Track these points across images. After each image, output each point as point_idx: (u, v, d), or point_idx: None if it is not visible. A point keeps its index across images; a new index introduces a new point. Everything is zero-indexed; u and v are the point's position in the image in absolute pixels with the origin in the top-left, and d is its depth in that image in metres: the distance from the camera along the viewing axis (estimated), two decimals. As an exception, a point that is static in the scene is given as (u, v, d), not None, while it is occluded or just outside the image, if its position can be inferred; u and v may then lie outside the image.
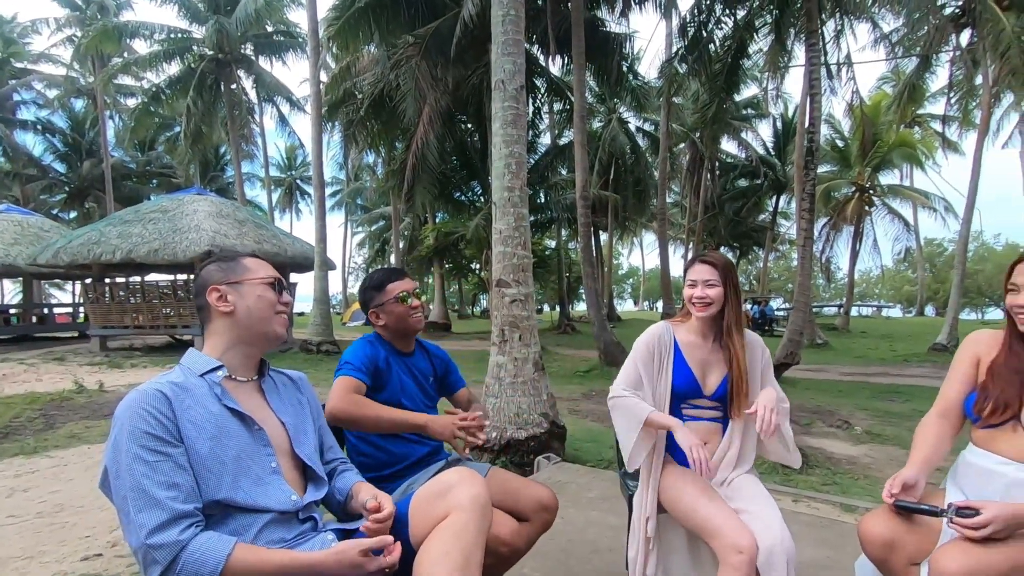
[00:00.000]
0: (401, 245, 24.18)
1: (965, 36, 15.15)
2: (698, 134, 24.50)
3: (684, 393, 1.81)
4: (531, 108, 14.33)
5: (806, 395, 8.91)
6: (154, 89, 19.24)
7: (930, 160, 23.43)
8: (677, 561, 1.84)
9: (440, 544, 1.03)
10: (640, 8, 11.99)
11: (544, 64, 13.85)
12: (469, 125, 15.28)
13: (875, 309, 41.61)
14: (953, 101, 18.68)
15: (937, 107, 22.21)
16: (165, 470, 1.03)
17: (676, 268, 26.21)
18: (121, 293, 12.35)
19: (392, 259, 33.51)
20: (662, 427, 1.72)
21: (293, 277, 14.90)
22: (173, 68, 19.08)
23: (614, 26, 12.36)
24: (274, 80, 20.73)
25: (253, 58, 20.49)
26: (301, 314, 27.73)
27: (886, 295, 48.78)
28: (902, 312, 43.27)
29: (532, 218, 19.33)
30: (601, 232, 26.35)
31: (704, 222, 28.31)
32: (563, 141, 20.45)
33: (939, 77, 18.39)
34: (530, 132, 14.93)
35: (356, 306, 26.75)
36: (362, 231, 40.48)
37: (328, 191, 44.24)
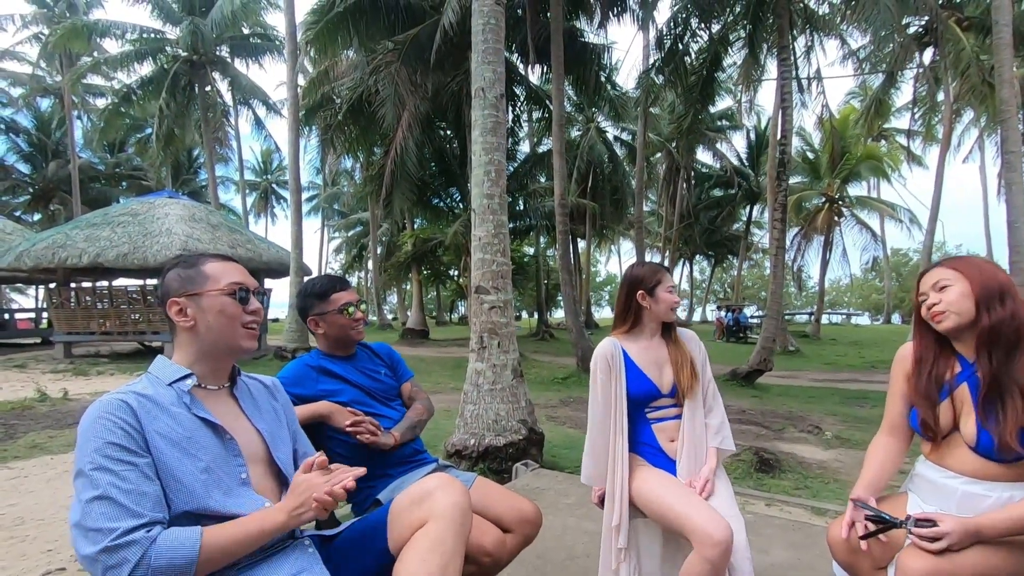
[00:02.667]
0: (379, 251, 23.97)
1: (928, 54, 15.75)
2: (674, 144, 24.94)
3: (643, 398, 1.85)
4: (510, 116, 14.40)
5: (778, 401, 9.08)
6: (125, 90, 18.81)
7: (896, 172, 24.22)
8: (650, 564, 1.86)
9: (417, 553, 1.03)
10: (618, 20, 12.18)
11: (523, 73, 13.95)
12: (448, 131, 15.28)
13: (844, 317, 42.70)
14: (917, 116, 19.38)
15: (902, 122, 22.98)
16: (132, 479, 1.00)
17: (653, 276, 26.42)
18: (88, 298, 11.98)
19: (370, 265, 33.22)
20: None
21: (268, 283, 14.67)
22: (145, 69, 18.70)
23: (592, 37, 12.53)
24: (250, 83, 20.45)
25: (229, 60, 20.19)
26: (276, 320, 27.26)
27: (855, 303, 50.10)
28: (870, 320, 44.47)
29: (511, 225, 19.38)
30: (579, 239, 26.55)
31: (680, 231, 28.77)
32: (542, 149, 20.58)
33: (904, 93, 19.10)
34: (509, 140, 15.00)
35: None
36: (339, 236, 40.05)
37: (305, 196, 43.67)
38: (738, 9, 12.74)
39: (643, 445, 1.85)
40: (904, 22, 14.23)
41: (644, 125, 15.56)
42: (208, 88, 19.63)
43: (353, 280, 48.96)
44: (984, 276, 1.43)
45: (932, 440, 1.50)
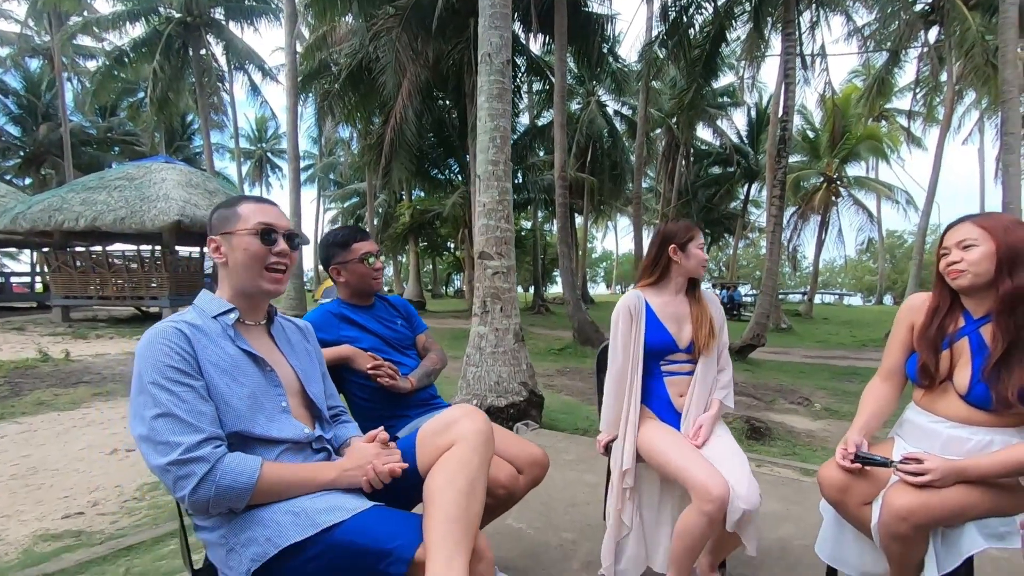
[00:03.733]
0: (375, 222, 23.88)
1: (933, 33, 15.60)
2: (674, 120, 24.72)
3: (660, 350, 1.93)
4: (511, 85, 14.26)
5: (770, 375, 9.27)
6: (117, 52, 18.38)
7: (895, 154, 24.21)
8: (650, 508, 1.98)
9: (446, 471, 1.12)
10: (623, -11, 11.96)
11: (524, 42, 13.75)
12: (447, 101, 15.10)
13: (837, 297, 43.08)
14: (919, 97, 19.29)
15: (903, 102, 22.86)
16: (190, 399, 1.08)
17: (649, 252, 26.46)
18: (82, 263, 11.95)
19: (366, 236, 33.14)
20: None
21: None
22: (137, 30, 18.26)
23: (596, 6, 12.34)
24: (246, 47, 20.03)
25: (224, 22, 19.73)
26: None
27: (848, 284, 50.50)
28: (862, 301, 44.90)
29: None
30: (576, 215, 26.50)
31: (678, 208, 28.75)
32: (541, 122, 20.39)
33: (907, 73, 18.91)
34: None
35: (329, 282, 26.42)
36: (334, 207, 39.77)
37: (301, 165, 43.36)
38: (744, -19, 12.55)
39: (654, 397, 1.94)
40: (911, -1, 14.07)
41: (645, 99, 15.43)
42: (203, 51, 19.22)
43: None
44: (1011, 238, 1.46)
45: (927, 387, 1.60)
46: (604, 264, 62.48)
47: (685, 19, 12.16)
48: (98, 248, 12.46)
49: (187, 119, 31.26)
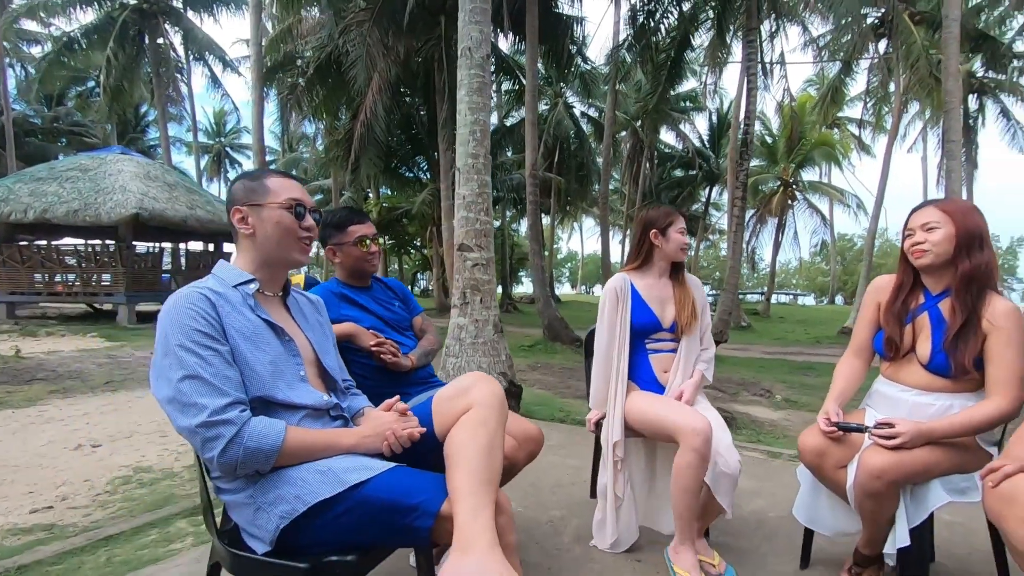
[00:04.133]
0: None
1: (882, 46, 16.42)
2: (639, 123, 25.23)
3: (645, 329, 2.03)
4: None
5: (733, 370, 9.60)
6: (65, 38, 17.53)
7: (846, 160, 25.34)
8: (640, 480, 2.07)
9: (467, 430, 1.16)
10: (592, -8, 12.17)
11: (494, 41, 13.81)
12: (416, 98, 15.02)
13: (792, 297, 44.75)
14: (869, 106, 20.28)
15: (855, 111, 23.96)
16: (216, 363, 1.09)
17: (615, 254, 26.97)
18: (30, 257, 11.37)
19: (330, 234, 32.51)
20: None
21: (229, 247, 14.24)
22: (88, 16, 17.47)
23: (567, 8, 12.50)
24: (206, 37, 19.42)
25: (182, 11, 19.08)
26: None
27: (802, 285, 52.50)
28: (815, 301, 46.76)
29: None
30: (543, 215, 26.70)
31: (641, 209, 29.32)
32: (510, 122, 20.49)
33: (858, 83, 19.89)
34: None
35: (293, 280, 25.78)
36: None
37: (254, 160, 42.20)
38: (708, -11, 12.96)
39: (639, 373, 2.03)
40: (862, 12, 14.76)
41: (613, 102, 15.71)
42: (160, 40, 18.53)
43: (312, 251, 47.83)
44: (968, 222, 1.62)
45: (892, 359, 1.74)
46: (569, 264, 63.09)
47: (652, 24, 12.46)
48: (46, 242, 11.87)
49: (140, 110, 30.08)
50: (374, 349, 1.79)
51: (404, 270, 38.02)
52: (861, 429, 1.63)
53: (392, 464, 1.15)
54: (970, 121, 18.96)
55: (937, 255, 1.63)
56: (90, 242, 11.85)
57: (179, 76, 21.21)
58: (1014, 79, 18.33)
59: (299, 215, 1.28)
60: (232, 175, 43.53)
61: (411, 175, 17.71)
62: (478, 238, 4.21)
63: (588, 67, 15.22)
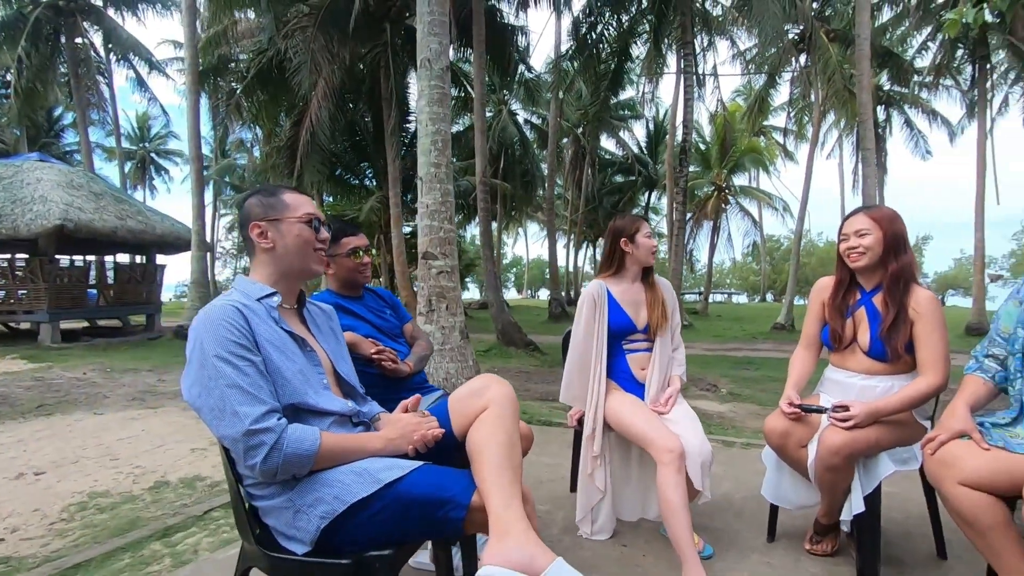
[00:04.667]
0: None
1: (803, 59, 17.64)
2: (581, 129, 25.91)
3: (622, 331, 2.18)
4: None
5: (679, 366, 10.04)
6: (-32, 35, 16.12)
7: (773, 165, 27.00)
8: (617, 471, 2.21)
9: (487, 427, 1.25)
10: (535, 3, 12.47)
11: (440, 49, 13.82)
12: (362, 104, 14.82)
13: (726, 296, 46.99)
14: (792, 115, 21.71)
15: (779, 120, 25.57)
16: (252, 374, 1.14)
17: (560, 258, 27.46)
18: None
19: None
20: None
21: (161, 259, 13.52)
22: (-5, 12, 16.13)
23: (511, 19, 12.73)
24: (131, 37, 18.34)
25: (103, 8, 17.95)
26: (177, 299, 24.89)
27: (735, 284, 55.22)
28: (748, 299, 49.31)
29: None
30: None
31: (585, 214, 30.04)
32: (455, 129, 20.53)
33: (782, 93, 21.22)
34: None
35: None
36: (231, 213, 37.18)
37: (191, 167, 40.10)
38: (644, 3, 13.55)
39: (618, 372, 2.18)
40: (784, 28, 15.85)
41: (556, 109, 16.09)
42: (79, 40, 17.36)
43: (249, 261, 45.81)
44: (894, 228, 1.88)
45: (837, 349, 1.97)
46: (515, 269, 63.58)
47: (594, 35, 12.89)
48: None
49: (54, 113, 28.01)
50: (374, 357, 1.84)
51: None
52: (820, 410, 1.84)
53: (420, 462, 1.22)
54: (880, 130, 20.63)
55: (871, 258, 1.87)
56: (3, 256, 10.95)
57: (101, 78, 19.94)
58: (916, 92, 20.14)
59: (316, 228, 1.35)
60: (158, 182, 41.13)
61: (356, 182, 17.40)
62: (442, 246, 4.28)
63: (532, 76, 15.52)
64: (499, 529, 1.06)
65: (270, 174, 19.96)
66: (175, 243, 12.65)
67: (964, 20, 2.64)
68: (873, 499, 1.75)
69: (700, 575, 1.73)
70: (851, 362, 1.95)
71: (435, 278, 4.25)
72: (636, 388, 2.17)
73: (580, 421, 2.23)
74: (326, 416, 1.26)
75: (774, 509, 2.12)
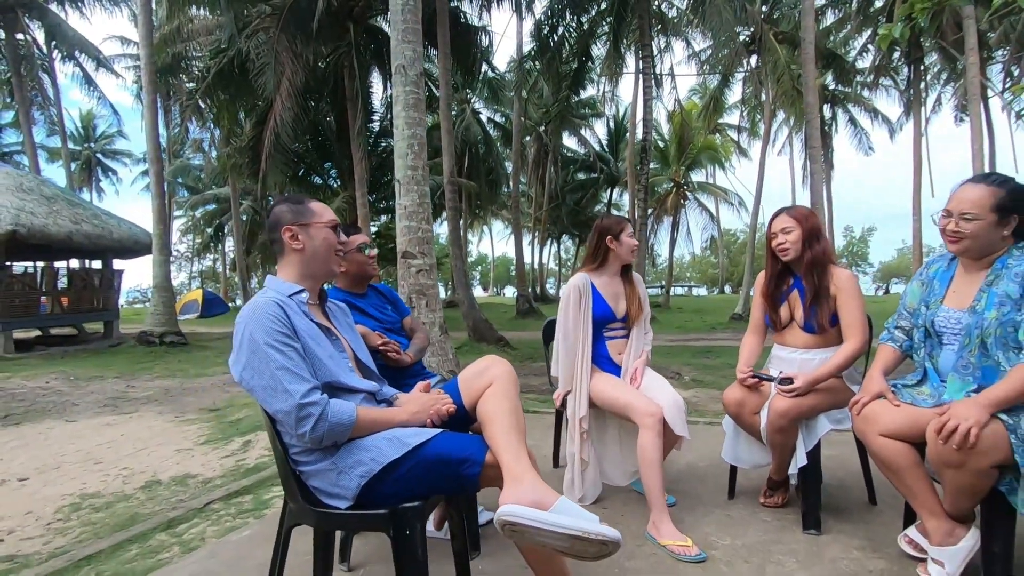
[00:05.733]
0: (242, 230, 22.34)
1: (754, 60, 18.42)
2: (543, 128, 26.29)
3: (603, 320, 2.44)
4: (389, 91, 14.28)
5: (644, 357, 10.45)
6: None
7: (728, 162, 28.00)
8: (598, 443, 2.48)
9: (495, 398, 1.47)
10: (498, 5, 12.68)
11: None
12: (325, 104, 14.73)
13: (686, 289, 48.35)
14: (745, 114, 22.61)
15: (733, 118, 26.55)
16: (295, 358, 1.35)
17: (526, 255, 27.78)
18: None
19: (230, 244, 30.56)
20: None
21: (118, 264, 13.13)
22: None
23: (475, 19, 12.90)
24: (77, 34, 17.64)
25: (44, 3, 17.19)
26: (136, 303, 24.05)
27: (695, 277, 56.85)
28: (707, 291, 50.86)
29: (388, 202, 19.21)
30: (455, 219, 26.91)
31: (548, 211, 30.47)
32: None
33: (735, 93, 22.09)
34: (389, 114, 14.89)
35: (190, 296, 24.05)
36: (183, 215, 36.00)
37: (140, 169, 38.59)
38: (603, 5, 13.94)
39: (599, 355, 2.44)
40: (736, 30, 16.53)
41: (520, 108, 16.36)
42: (20, 36, 16.60)
43: (207, 262, 44.54)
44: (809, 224, 2.22)
45: (777, 329, 2.28)
46: (480, 267, 63.69)
47: (555, 37, 13.19)
48: None
49: (-9, 113, 26.62)
50: (381, 348, 2.04)
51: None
52: (771, 378, 2.14)
53: (439, 430, 1.44)
54: (826, 128, 21.71)
55: (795, 250, 2.20)
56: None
57: (44, 76, 19.09)
58: (858, 92, 21.28)
59: (338, 233, 1.58)
60: (106, 184, 39.48)
61: (320, 182, 17.26)
62: (421, 245, 4.46)
63: (495, 75, 15.73)
64: (513, 477, 1.29)
65: (230, 175, 19.59)
66: (134, 247, 12.32)
67: (894, 35, 2.97)
68: (814, 454, 2.07)
69: (667, 519, 2.03)
70: (791, 339, 2.27)
71: (415, 276, 4.43)
72: (614, 369, 2.44)
73: (564, 403, 2.48)
74: (357, 393, 1.47)
75: (733, 470, 2.43)
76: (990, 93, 17.93)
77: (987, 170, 15.50)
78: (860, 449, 2.33)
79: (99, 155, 39.18)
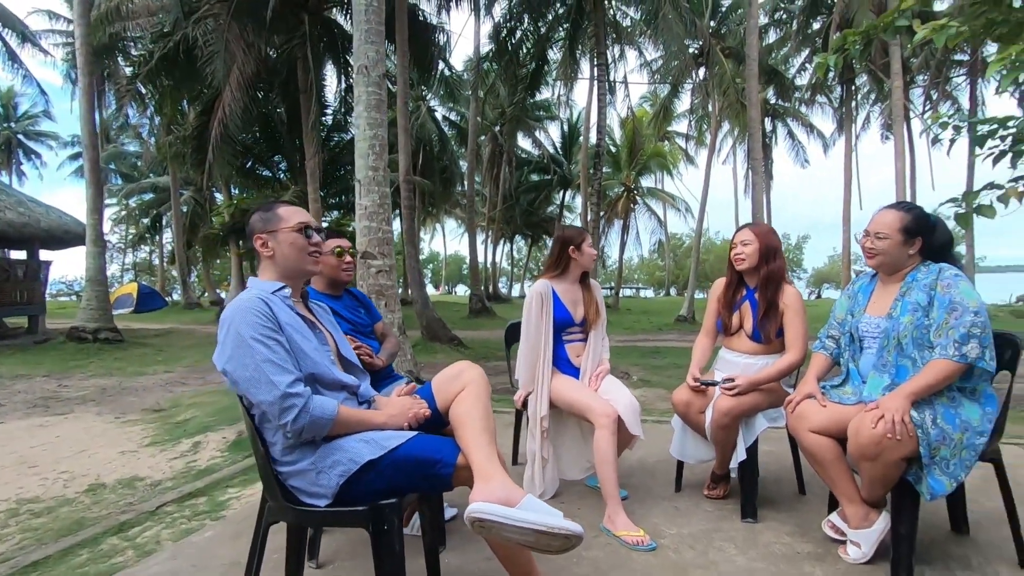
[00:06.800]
0: (183, 222, 21.34)
1: (702, 72, 19.17)
2: (498, 128, 26.41)
3: (563, 324, 2.58)
4: (343, 85, 14.01)
5: (595, 357, 10.75)
6: None
7: (676, 169, 28.99)
8: (558, 443, 2.61)
9: (467, 401, 1.56)
10: (456, 4, 12.69)
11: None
12: (276, 95, 14.29)
13: (635, 291, 49.68)
14: (692, 123, 23.49)
15: (682, 127, 27.54)
16: (279, 350, 1.41)
17: (479, 254, 27.81)
18: None
19: (169, 236, 29.01)
20: None
21: (46, 254, 12.33)
22: None
23: (433, 17, 12.86)
24: (1, 7, 16.38)
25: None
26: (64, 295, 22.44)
27: (643, 279, 58.43)
28: (654, 293, 52.43)
29: (340, 198, 18.84)
30: (408, 216, 26.62)
31: (502, 211, 30.64)
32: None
33: (683, 102, 22.97)
34: (343, 108, 14.61)
35: (123, 290, 22.75)
36: (116, 203, 33.90)
37: (68, 153, 36.14)
38: (560, 11, 14.20)
39: (558, 358, 2.57)
40: (686, 43, 17.18)
41: (476, 108, 16.40)
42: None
43: (142, 254, 42.18)
44: (768, 240, 2.42)
45: (728, 334, 2.48)
46: (432, 265, 63.16)
47: (513, 41, 13.34)
48: None
49: None
50: (355, 351, 2.09)
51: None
52: (714, 383, 2.33)
53: (415, 432, 1.52)
54: (767, 140, 22.85)
55: (751, 263, 2.40)
56: None
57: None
58: (797, 107, 22.51)
59: (308, 235, 1.60)
60: (29, 167, 36.72)
61: (269, 175, 16.73)
62: (381, 246, 4.48)
63: (452, 74, 15.70)
64: (483, 476, 1.38)
65: (171, 164, 18.67)
66: (64, 238, 11.61)
67: (828, 63, 3.22)
68: (752, 449, 2.27)
69: (620, 512, 2.18)
70: (738, 344, 2.48)
71: (374, 277, 4.44)
72: (573, 371, 2.58)
73: (525, 403, 2.60)
74: (339, 391, 1.54)
75: (680, 465, 2.62)
76: (912, 115, 19.38)
77: (908, 185, 16.79)
78: (792, 445, 2.56)
79: (20, 136, 36.42)
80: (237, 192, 18.77)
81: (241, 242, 19.36)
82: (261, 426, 1.46)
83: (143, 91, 11.17)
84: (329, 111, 14.99)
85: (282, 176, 16.81)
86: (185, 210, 23.61)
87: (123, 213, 34.24)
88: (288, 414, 1.36)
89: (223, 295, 23.99)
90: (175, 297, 29.82)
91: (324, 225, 14.07)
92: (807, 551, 2.05)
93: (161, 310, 21.52)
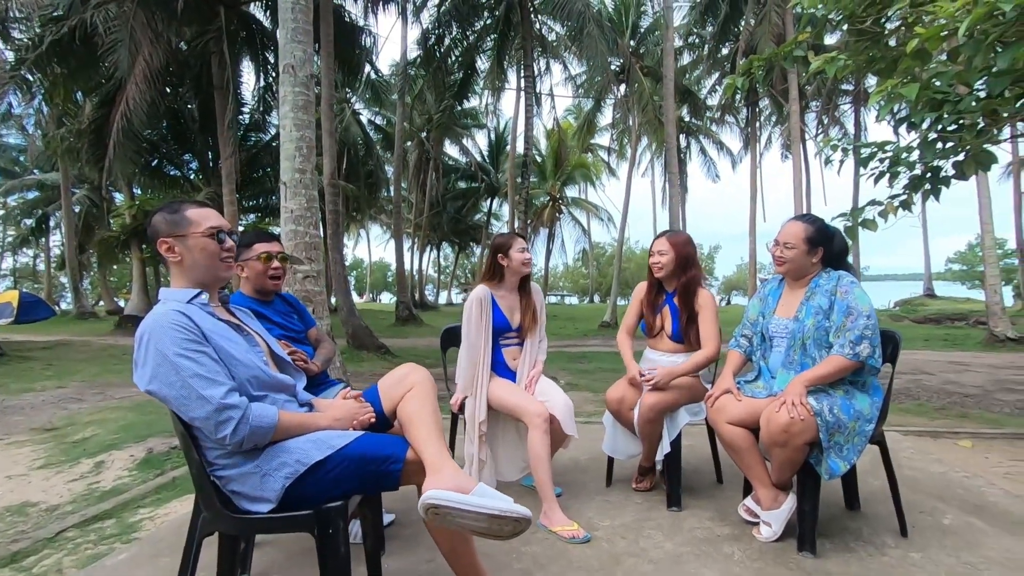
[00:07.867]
0: (75, 223, 19.41)
1: (623, 89, 20.06)
2: (425, 134, 26.24)
3: (500, 330, 2.64)
4: (262, 83, 13.42)
5: (523, 362, 10.91)
6: None
7: (599, 180, 30.08)
8: (494, 444, 2.66)
9: (416, 401, 1.56)
10: (383, 7, 12.53)
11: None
12: (186, 90, 13.44)
13: (560, 298, 50.81)
14: (614, 137, 24.50)
15: (604, 139, 28.64)
16: (207, 362, 1.34)
17: (405, 261, 27.40)
18: None
19: (58, 239, 26.28)
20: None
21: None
22: None
23: (359, 18, 12.63)
24: None
25: None
26: None
27: (568, 287, 59.90)
28: (579, 300, 53.89)
29: (259, 201, 17.96)
30: (331, 221, 25.76)
31: (429, 218, 30.40)
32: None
33: (606, 116, 23.98)
34: (260, 107, 13.97)
35: (2, 297, 20.32)
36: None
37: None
38: (489, 21, 14.40)
39: (495, 361, 2.62)
40: (608, 60, 17.93)
41: (403, 113, 16.21)
42: None
43: (24, 258, 37.85)
44: (684, 249, 2.61)
45: (650, 335, 2.65)
46: (355, 272, 61.35)
47: (441, 49, 13.36)
48: None
49: None
50: (288, 356, 2.04)
51: (162, 281, 32.70)
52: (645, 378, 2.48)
53: (361, 432, 1.52)
54: (682, 155, 24.25)
55: (669, 271, 2.59)
56: None
57: None
58: (708, 126, 24.07)
59: (220, 240, 1.51)
60: None
61: (178, 174, 15.65)
62: (308, 251, 4.35)
63: (378, 77, 15.46)
64: (435, 468, 1.41)
65: (61, 160, 17.00)
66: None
67: (736, 85, 3.51)
68: (676, 443, 2.44)
69: (556, 508, 2.27)
70: (660, 345, 2.65)
71: (301, 283, 4.30)
72: (509, 374, 2.64)
73: (461, 407, 2.62)
74: (280, 391, 1.50)
75: (611, 461, 2.76)
76: (807, 137, 21.28)
77: (804, 200, 18.40)
78: (711, 439, 2.77)
79: None
80: (140, 192, 17.41)
81: (144, 246, 17.94)
82: (198, 432, 1.40)
83: (30, 79, 10.08)
84: (246, 110, 14.27)
85: (193, 176, 15.79)
86: (78, 210, 21.57)
87: (1, 212, 30.71)
88: (226, 427, 1.31)
89: (122, 303, 22.07)
90: (64, 306, 27.06)
91: (240, 229, 13.44)
92: (726, 533, 2.23)
93: (47, 320, 19.45)
